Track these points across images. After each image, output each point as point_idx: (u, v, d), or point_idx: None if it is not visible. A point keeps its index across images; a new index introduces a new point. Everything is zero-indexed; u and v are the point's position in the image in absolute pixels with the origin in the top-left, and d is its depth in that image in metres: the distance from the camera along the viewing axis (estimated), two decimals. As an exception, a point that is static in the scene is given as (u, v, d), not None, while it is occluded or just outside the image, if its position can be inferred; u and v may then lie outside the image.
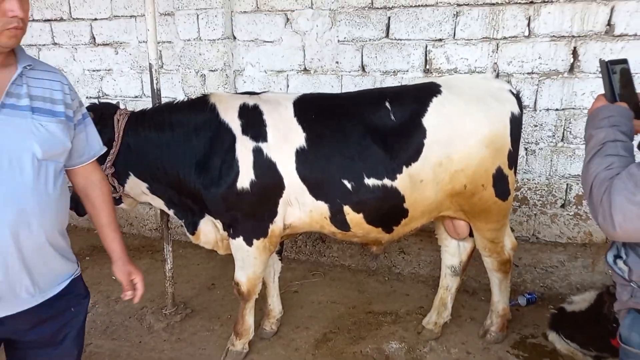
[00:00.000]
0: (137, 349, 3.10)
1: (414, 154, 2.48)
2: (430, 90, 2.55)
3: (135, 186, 2.71)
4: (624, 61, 1.49)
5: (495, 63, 3.45)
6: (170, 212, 2.84)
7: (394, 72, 3.75)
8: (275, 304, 3.16)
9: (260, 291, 2.92)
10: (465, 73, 3.55)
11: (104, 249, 1.88)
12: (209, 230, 2.82)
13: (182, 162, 2.57)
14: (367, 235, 2.67)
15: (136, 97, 4.65)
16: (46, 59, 4.95)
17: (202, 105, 2.61)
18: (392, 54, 3.72)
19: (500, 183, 2.60)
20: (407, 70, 3.71)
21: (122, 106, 2.85)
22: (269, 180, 2.52)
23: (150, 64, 3.12)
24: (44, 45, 4.94)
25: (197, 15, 4.07)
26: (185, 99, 2.78)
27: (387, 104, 2.54)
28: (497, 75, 2.73)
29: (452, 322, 3.32)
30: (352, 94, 2.72)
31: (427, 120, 2.48)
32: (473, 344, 3.11)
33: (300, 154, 2.50)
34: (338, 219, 2.59)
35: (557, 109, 3.42)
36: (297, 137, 2.51)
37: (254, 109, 2.55)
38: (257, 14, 4.03)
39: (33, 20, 4.87)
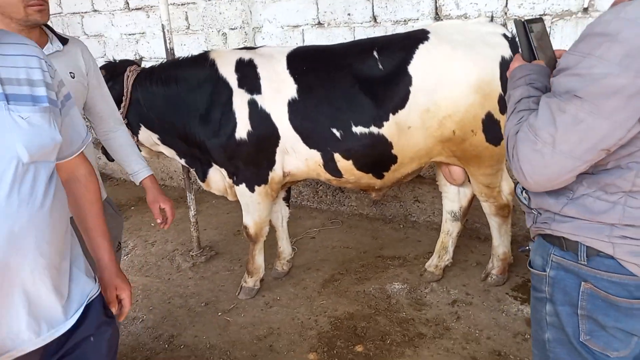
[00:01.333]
0: (165, 284, 3.49)
1: (401, 102, 2.56)
2: (417, 38, 2.59)
3: (147, 137, 3.00)
4: (540, 20, 1.50)
5: (506, 6, 3.36)
6: (182, 162, 3.12)
7: (405, 20, 3.74)
8: (284, 247, 3.41)
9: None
10: (475, 18, 3.48)
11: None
12: (218, 178, 3.07)
13: (187, 115, 2.81)
14: (359, 181, 2.81)
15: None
16: (88, 25, 5.34)
17: (203, 61, 2.81)
18: (402, 3, 3.70)
19: (491, 128, 2.62)
20: (418, 19, 3.69)
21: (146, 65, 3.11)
22: (264, 131, 2.71)
23: (162, 25, 3.34)
24: (86, 12, 5.31)
25: (216, -25, 4.21)
26: (189, 55, 2.98)
27: (375, 54, 2.61)
28: (492, 19, 2.69)
29: (457, 265, 3.43)
30: (344, 45, 2.80)
31: (413, 68, 2.53)
32: (473, 286, 3.22)
33: (292, 104, 2.66)
34: (330, 166, 2.75)
35: (561, 49, 3.29)
36: (289, 89, 2.66)
37: (249, 63, 2.72)
38: (272, -31, 4.11)
39: (74, -11, 5.23)
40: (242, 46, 4.27)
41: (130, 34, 5.12)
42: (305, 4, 4.08)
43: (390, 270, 3.47)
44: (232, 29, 4.34)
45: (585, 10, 3.16)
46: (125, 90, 2.83)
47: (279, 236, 3.40)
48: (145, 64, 4.94)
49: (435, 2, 3.59)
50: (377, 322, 2.93)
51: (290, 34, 4.23)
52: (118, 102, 2.68)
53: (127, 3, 4.99)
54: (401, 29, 3.77)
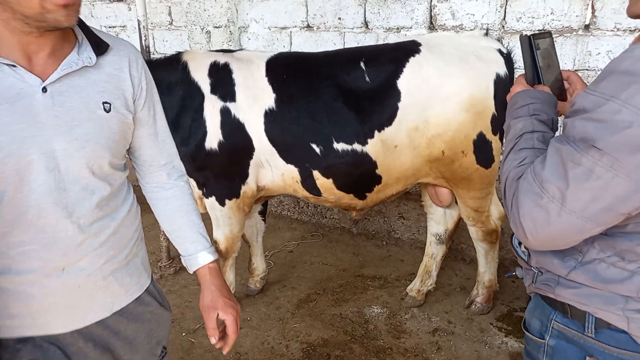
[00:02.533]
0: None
1: (387, 118, 2.37)
2: (408, 50, 2.40)
3: None
4: (548, 34, 1.29)
5: (504, 19, 3.18)
6: None
7: (397, 28, 3.55)
8: (258, 263, 3.20)
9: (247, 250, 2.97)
10: (471, 30, 3.30)
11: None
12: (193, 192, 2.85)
13: None
14: (340, 200, 2.61)
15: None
16: (67, 15, 5.07)
17: (174, 63, 2.59)
18: (395, 9, 3.51)
19: (482, 149, 2.44)
20: (411, 27, 3.50)
21: None
22: (237, 141, 2.49)
23: (138, 20, 3.11)
24: (65, 1, 5.05)
25: (201, -31, 3.99)
26: (162, 56, 2.76)
27: (362, 65, 2.41)
28: (486, 33, 2.51)
29: (440, 290, 3.25)
30: (330, 53, 2.60)
31: (402, 82, 2.34)
32: (457, 313, 3.04)
33: (269, 115, 2.45)
34: (308, 183, 2.55)
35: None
36: (267, 98, 2.45)
37: (224, 68, 2.51)
38: (260, -33, 3.90)
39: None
40: (225, 46, 4.06)
41: (110, 27, 4.87)
42: (295, 5, 3.87)
43: (370, 292, 3.28)
44: (216, 27, 4.12)
45: (587, 27, 2.99)
46: None
47: (253, 252, 3.19)
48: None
49: (430, 11, 3.40)
50: (352, 351, 2.74)
51: (278, 36, 4.02)
52: None
53: (123, -7, 4.75)
54: (393, 37, 3.58)
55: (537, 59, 1.23)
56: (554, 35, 3.04)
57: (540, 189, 0.98)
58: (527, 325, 1.26)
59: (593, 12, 2.95)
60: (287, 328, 2.93)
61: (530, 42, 1.23)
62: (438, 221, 2.94)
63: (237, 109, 2.46)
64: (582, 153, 0.92)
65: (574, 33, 3.03)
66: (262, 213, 3.16)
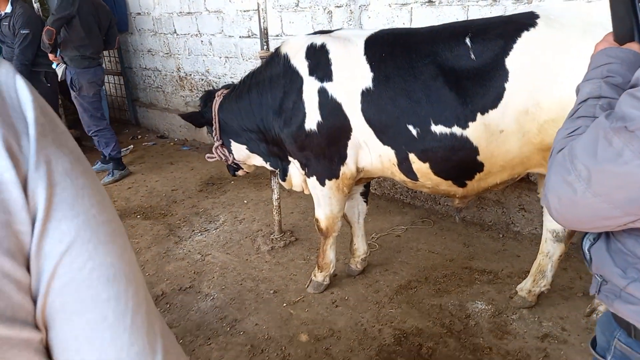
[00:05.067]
0: (242, 265, 3.53)
1: (493, 100, 2.15)
2: (521, 23, 2.13)
3: (239, 150, 3.08)
4: None
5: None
6: (268, 166, 3.08)
7: (528, -1, 3.18)
8: (359, 244, 3.20)
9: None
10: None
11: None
12: (296, 174, 2.96)
13: (261, 114, 2.80)
14: (437, 187, 2.47)
15: (277, 35, 4.90)
16: (209, 2, 5.53)
17: (275, 59, 2.72)
18: (526, -23, 3.14)
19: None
20: (545, -4, 3.11)
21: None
22: (335, 122, 2.50)
23: (258, 3, 3.25)
24: (208, -11, 5.50)
25: (325, -51, 4.01)
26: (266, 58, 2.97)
27: (468, 41, 2.21)
28: None
29: (558, 292, 2.93)
30: (434, 29, 2.42)
31: (512, 60, 2.10)
32: (574, 321, 2.70)
33: (365, 94, 2.40)
34: (405, 166, 2.45)
35: None
36: (364, 77, 2.40)
37: (321, 49, 2.51)
38: (383, -59, 3.78)
39: (200, -34, 5.43)
40: (345, 26, 4.06)
41: (245, 11, 5.19)
42: (416, -20, 3.69)
43: (476, 286, 3.07)
44: (337, 6, 4.13)
45: None
46: (213, 114, 3.01)
47: (354, 233, 3.20)
48: (256, 40, 5.01)
49: (568, -23, 2.97)
50: (446, 345, 2.62)
51: (398, 13, 3.89)
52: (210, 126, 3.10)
53: (244, -21, 5.04)
54: (523, 8, 3.20)
55: (638, 11, 1.01)
56: None
57: (571, 165, 0.89)
58: (593, 342, 1.13)
59: None
60: (383, 312, 2.91)
61: None
62: (556, 216, 2.61)
63: (334, 89, 2.46)
64: (616, 132, 0.82)
65: None
66: (365, 195, 3.14)
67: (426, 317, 2.83)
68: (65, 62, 4.99)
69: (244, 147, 3.04)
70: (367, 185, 3.14)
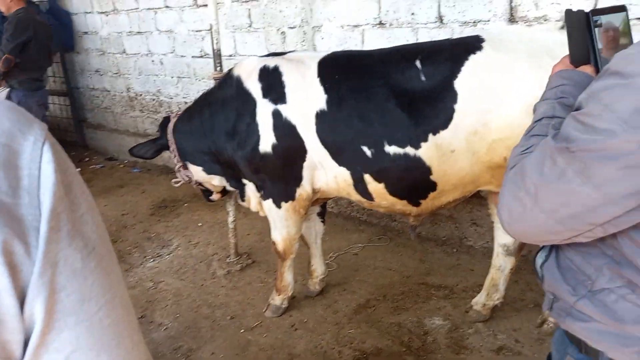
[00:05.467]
0: (197, 291, 3.42)
1: (443, 121, 2.21)
2: (468, 46, 2.22)
3: (197, 172, 3.01)
4: (621, 9, 1.09)
5: (595, 7, 2.83)
6: (229, 186, 3.04)
7: (474, 22, 3.32)
8: (317, 265, 3.19)
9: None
10: (557, 22, 2.98)
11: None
12: (252, 195, 2.92)
13: (214, 136, 2.76)
14: (393, 206, 2.50)
15: (230, 55, 4.88)
16: (160, 21, 5.45)
17: (228, 80, 2.72)
18: (472, 2, 3.28)
19: (551, 156, 2.19)
20: (489, 20, 3.25)
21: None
22: (290, 144, 2.49)
23: (210, 25, 3.23)
24: (159, 8, 5.42)
25: (276, -29, 4.05)
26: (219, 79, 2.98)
27: (418, 63, 2.27)
28: (563, 26, 2.22)
29: (511, 305, 3.00)
30: (385, 51, 2.49)
31: (460, 82, 2.17)
32: (526, 332, 2.78)
33: (320, 116, 2.41)
34: (360, 187, 2.47)
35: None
36: (318, 99, 2.42)
37: (274, 71, 2.51)
38: (333, -35, 3.86)
39: (149, -15, 5.36)
40: (299, 47, 4.09)
41: (197, 31, 5.14)
42: (367, 3, 3.78)
43: (433, 302, 3.11)
44: (291, 27, 4.17)
45: (697, 13, 2.55)
46: (168, 137, 2.95)
47: (312, 253, 3.18)
48: (208, 60, 4.97)
49: (510, 2, 3.13)
50: (405, 363, 2.62)
51: (350, 34, 3.96)
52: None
53: (196, 0, 5.00)
54: (470, 32, 3.34)
55: (595, 37, 1.06)
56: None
57: (521, 181, 0.93)
58: (549, 358, 1.14)
59: None
60: (342, 333, 2.89)
61: (587, 18, 1.06)
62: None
63: (288, 111, 2.46)
64: (560, 152, 0.85)
65: (681, 20, 2.61)
66: (321, 215, 3.14)
67: (385, 336, 2.83)
68: (11, 86, 4.77)
69: (200, 168, 2.98)
70: (324, 205, 3.14)
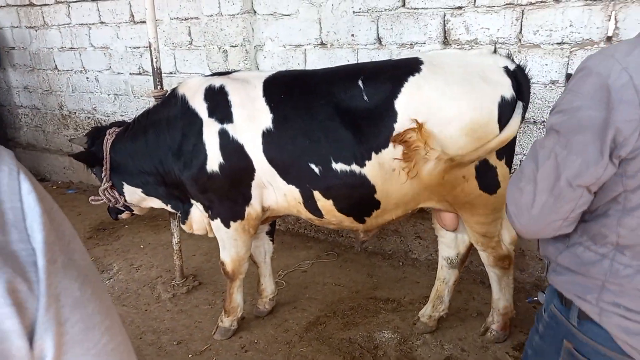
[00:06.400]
0: (141, 317, 3.29)
1: (385, 140, 2.28)
2: (407, 68, 2.31)
3: (132, 193, 2.91)
4: None
5: (520, 32, 3.05)
6: (169, 208, 2.95)
7: (411, 44, 3.47)
8: (267, 284, 3.16)
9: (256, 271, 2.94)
10: (486, 45, 3.18)
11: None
12: (198, 216, 2.87)
13: (159, 156, 2.69)
14: (341, 223, 2.55)
15: (171, 73, 4.79)
16: (96, 37, 5.27)
17: (172, 99, 2.68)
18: (408, 25, 3.43)
19: (485, 175, 2.32)
20: (424, 43, 3.41)
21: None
22: (237, 163, 2.48)
23: (149, 42, 3.17)
24: (93, 24, 5.24)
25: (218, -10, 4.05)
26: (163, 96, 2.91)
27: (361, 83, 2.34)
28: (495, 50, 2.39)
29: (456, 315, 3.12)
30: (329, 71, 2.55)
31: (399, 103, 2.26)
32: (471, 341, 2.89)
33: (266, 135, 2.42)
34: (310, 204, 2.49)
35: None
36: (264, 118, 2.43)
37: (220, 90, 2.51)
38: (275, -14, 3.91)
39: (83, 0, 5.17)
40: (241, 65, 4.09)
41: (135, 47, 5.01)
42: (308, 23, 3.85)
43: (382, 316, 3.17)
44: (233, 46, 4.16)
45: (609, 39, 2.82)
46: (104, 153, 2.81)
47: (261, 272, 3.15)
48: (148, 78, 4.85)
49: (444, 26, 3.31)
50: (357, 378, 2.65)
51: (292, 54, 4.01)
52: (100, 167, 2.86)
53: (133, 16, 4.88)
54: (407, 53, 3.50)
55: None
56: (574, 49, 2.89)
57: (521, 174, 1.17)
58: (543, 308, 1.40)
59: (616, 24, 2.78)
60: (294, 352, 2.87)
61: None
62: (449, 245, 2.81)
63: (235, 130, 2.45)
64: (547, 137, 1.12)
65: (595, 45, 2.86)
66: (270, 233, 3.13)
67: (336, 353, 2.85)
68: None
69: (139, 190, 2.89)
70: (273, 223, 3.13)
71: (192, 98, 2.58)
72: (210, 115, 2.48)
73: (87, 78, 5.62)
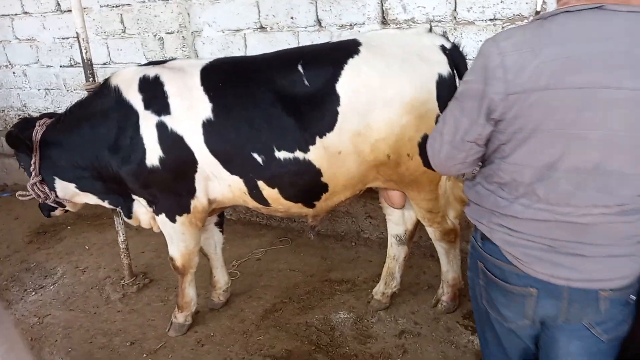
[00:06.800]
0: (90, 320, 3.18)
1: (328, 124, 2.28)
2: (347, 50, 2.30)
3: (64, 188, 2.77)
4: None
5: (455, 9, 3.10)
6: (106, 204, 2.82)
7: (350, 25, 3.46)
8: (220, 276, 3.12)
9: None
10: (423, 23, 3.22)
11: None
12: (142, 211, 2.77)
13: (95, 151, 2.56)
14: (289, 210, 2.53)
15: (105, 64, 4.57)
16: (20, 29, 4.94)
17: (105, 91, 2.55)
18: (347, 6, 3.41)
19: (429, 151, 2.36)
20: (364, 23, 3.41)
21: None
22: (178, 156, 2.41)
23: (77, 32, 2.99)
24: (16, 14, 4.90)
25: (148, -25, 3.87)
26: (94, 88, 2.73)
27: (300, 67, 2.32)
28: (430, 29, 2.42)
29: (408, 289, 3.20)
30: (267, 56, 2.50)
31: (341, 86, 2.25)
32: (423, 314, 2.98)
33: (207, 125, 2.36)
34: (255, 194, 2.46)
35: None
36: (203, 108, 2.36)
37: (155, 80, 2.41)
38: (208, -31, 3.78)
39: (2, -11, 4.82)
40: (179, 52, 3.96)
41: (63, 38, 4.73)
42: (246, 7, 3.76)
43: (337, 297, 3.21)
44: (168, 33, 4.01)
45: (537, 13, 2.91)
46: (33, 146, 2.64)
47: (213, 265, 3.11)
48: (79, 70, 4.60)
49: (382, 6, 3.31)
50: (316, 361, 2.68)
51: (232, 39, 3.91)
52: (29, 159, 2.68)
53: (59, 4, 4.60)
54: (347, 34, 3.48)
55: None
56: (505, 24, 2.96)
57: (435, 128, 1.51)
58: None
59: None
60: (251, 341, 2.86)
61: None
62: (397, 222, 2.87)
63: (174, 122, 2.37)
64: (453, 101, 1.44)
65: (525, 20, 2.95)
66: (219, 224, 3.08)
67: (294, 338, 2.86)
68: None
69: (72, 185, 2.74)
70: (222, 214, 3.08)
71: (126, 90, 2.47)
72: (147, 107, 2.38)
73: (14, 73, 5.27)
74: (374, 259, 3.63)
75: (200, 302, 3.16)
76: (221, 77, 2.41)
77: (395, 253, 2.94)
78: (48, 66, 4.98)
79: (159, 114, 2.38)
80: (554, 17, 1.23)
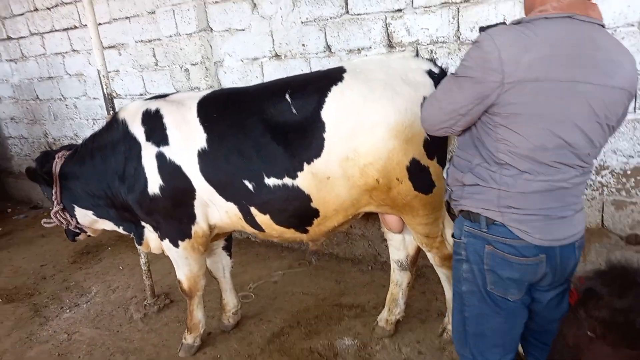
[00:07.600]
0: (112, 338, 3.35)
1: (315, 150, 2.31)
2: (331, 78, 2.34)
3: (84, 215, 2.98)
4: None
5: (458, 30, 3.05)
6: (121, 230, 3.00)
7: (358, 49, 3.49)
8: (229, 299, 3.20)
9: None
10: (427, 45, 3.19)
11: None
12: (152, 237, 2.92)
13: (107, 180, 2.74)
14: (283, 235, 2.57)
15: (141, 94, 4.88)
16: (69, 65, 5.39)
17: (114, 124, 2.72)
18: (353, 31, 3.46)
19: (418, 176, 2.32)
20: (370, 47, 3.43)
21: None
22: (177, 184, 2.53)
23: (98, 70, 3.24)
24: (66, 52, 5.36)
25: (173, 11, 4.12)
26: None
27: (288, 97, 2.38)
28: (417, 54, 2.40)
29: (417, 316, 3.12)
30: (259, 87, 2.58)
31: (326, 112, 2.28)
32: (429, 342, 2.89)
33: (202, 155, 2.47)
34: (250, 220, 2.53)
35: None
36: (199, 138, 2.47)
37: (155, 114, 2.56)
38: (226, 2, 3.97)
39: (55, 30, 5.30)
40: (202, 82, 4.16)
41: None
42: (262, 36, 3.90)
43: (344, 322, 3.19)
44: (193, 64, 4.23)
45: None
46: (53, 178, 2.86)
47: (222, 288, 3.20)
48: (121, 101, 4.95)
49: (387, 30, 3.32)
50: (314, 387, 2.67)
51: (250, 67, 4.06)
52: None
53: (101, 42, 4.98)
54: (356, 59, 3.51)
55: None
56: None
57: (433, 94, 1.72)
58: (453, 234, 1.80)
59: (548, 14, 2.76)
60: (255, 365, 2.91)
61: None
62: (398, 247, 2.82)
63: (172, 152, 2.50)
64: (450, 76, 1.63)
65: (531, 38, 2.85)
66: (227, 248, 3.17)
67: (297, 363, 2.87)
68: None
69: (90, 212, 2.95)
70: (229, 238, 3.17)
71: (131, 123, 2.64)
72: (148, 139, 2.53)
73: (67, 105, 5.75)
74: (387, 284, 3.55)
75: (213, 323, 3.25)
76: (215, 109, 2.52)
77: (398, 279, 2.89)
78: (94, 98, 5.39)
79: (158, 145, 2.53)
80: (535, 22, 1.46)
